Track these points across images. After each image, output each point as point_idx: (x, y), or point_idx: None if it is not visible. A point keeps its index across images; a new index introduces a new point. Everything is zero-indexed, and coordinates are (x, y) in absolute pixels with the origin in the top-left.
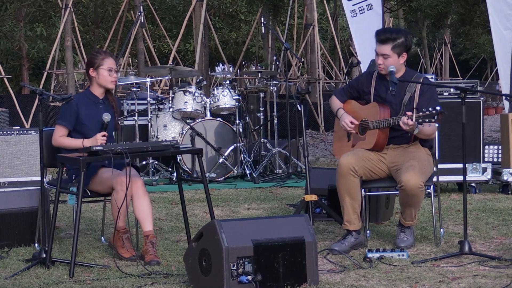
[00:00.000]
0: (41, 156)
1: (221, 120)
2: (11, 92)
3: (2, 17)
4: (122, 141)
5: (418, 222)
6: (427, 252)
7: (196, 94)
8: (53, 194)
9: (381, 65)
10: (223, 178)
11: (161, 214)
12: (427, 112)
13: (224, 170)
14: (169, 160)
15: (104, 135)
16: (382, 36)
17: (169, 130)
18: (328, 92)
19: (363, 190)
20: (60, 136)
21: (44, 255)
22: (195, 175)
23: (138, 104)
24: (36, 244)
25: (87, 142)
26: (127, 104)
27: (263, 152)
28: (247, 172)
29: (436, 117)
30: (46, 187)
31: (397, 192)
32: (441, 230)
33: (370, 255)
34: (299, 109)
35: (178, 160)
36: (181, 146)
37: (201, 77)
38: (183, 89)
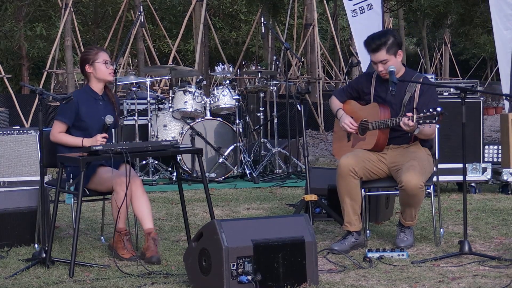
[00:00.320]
0: (40, 156)
1: (221, 120)
2: (11, 91)
3: (2, 17)
4: (122, 141)
5: (418, 222)
6: (427, 252)
7: (196, 94)
8: (53, 193)
9: (382, 71)
10: (223, 178)
11: (161, 214)
12: (428, 113)
13: (224, 170)
14: (169, 160)
15: (104, 137)
16: (372, 45)
17: (169, 130)
18: (328, 92)
19: (363, 190)
20: (59, 132)
21: (44, 255)
22: (195, 175)
23: (138, 104)
24: (36, 244)
25: (87, 142)
26: (127, 104)
27: (263, 152)
28: (247, 172)
29: (437, 118)
30: (45, 187)
31: (397, 192)
32: (441, 230)
33: (370, 255)
34: (299, 109)
35: (178, 160)
36: (181, 146)
37: (201, 77)
38: (183, 89)
